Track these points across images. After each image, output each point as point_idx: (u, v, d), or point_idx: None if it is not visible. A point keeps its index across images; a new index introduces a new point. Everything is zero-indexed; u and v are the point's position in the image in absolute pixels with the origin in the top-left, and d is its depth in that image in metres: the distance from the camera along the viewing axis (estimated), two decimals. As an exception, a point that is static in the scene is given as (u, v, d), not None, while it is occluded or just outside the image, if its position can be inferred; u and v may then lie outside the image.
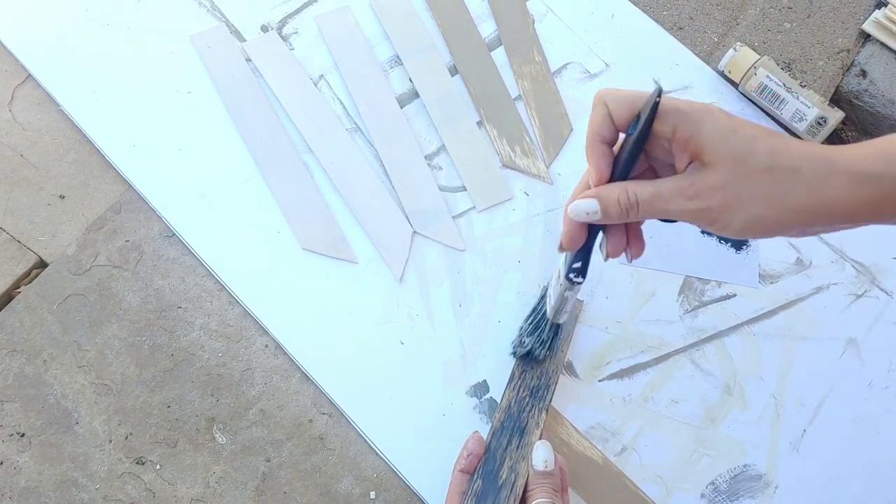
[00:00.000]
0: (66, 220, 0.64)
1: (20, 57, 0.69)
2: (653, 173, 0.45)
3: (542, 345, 0.57)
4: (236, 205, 0.65)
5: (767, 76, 0.70)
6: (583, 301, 0.63)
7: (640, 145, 0.42)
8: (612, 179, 0.43)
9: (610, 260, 0.47)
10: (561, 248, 0.47)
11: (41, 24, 0.70)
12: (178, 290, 0.62)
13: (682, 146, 0.40)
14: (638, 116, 0.42)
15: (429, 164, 0.68)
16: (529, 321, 0.58)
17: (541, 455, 0.51)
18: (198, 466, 0.57)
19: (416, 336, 0.62)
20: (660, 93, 0.40)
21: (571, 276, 0.47)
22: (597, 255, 0.47)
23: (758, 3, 0.79)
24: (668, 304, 0.65)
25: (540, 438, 0.54)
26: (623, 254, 0.46)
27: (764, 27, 0.77)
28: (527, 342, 0.58)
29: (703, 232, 0.67)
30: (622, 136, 0.44)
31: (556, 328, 0.57)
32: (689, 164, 0.41)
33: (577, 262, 0.47)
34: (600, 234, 0.46)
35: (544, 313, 0.56)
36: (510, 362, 0.61)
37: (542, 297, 0.57)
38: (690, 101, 0.41)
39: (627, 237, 0.46)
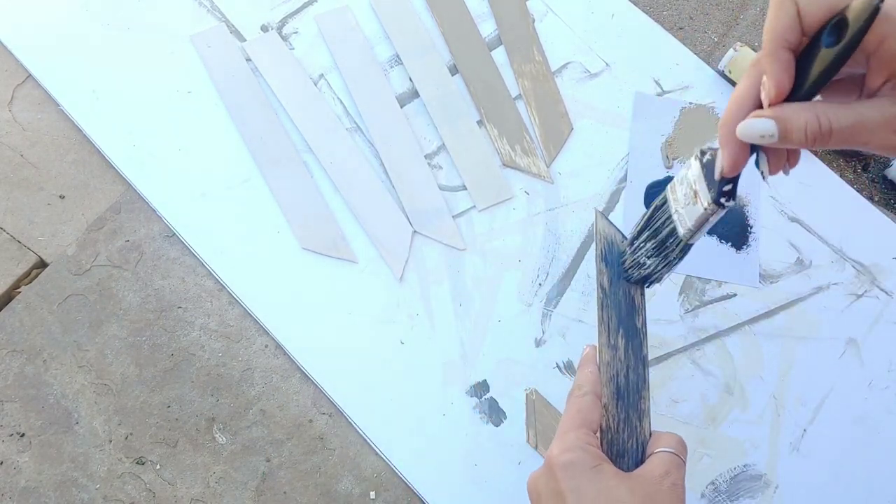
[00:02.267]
0: (66, 220, 0.64)
1: (20, 57, 0.69)
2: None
3: (669, 265, 0.48)
4: (236, 205, 0.65)
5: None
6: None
7: (842, 59, 0.34)
8: (792, 97, 0.36)
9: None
10: (723, 175, 0.40)
11: (41, 24, 0.70)
12: (178, 290, 0.62)
13: (886, 62, 0.34)
14: (839, 20, 0.34)
15: (429, 164, 0.68)
16: (646, 238, 0.49)
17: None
18: (198, 466, 0.57)
19: (416, 336, 0.62)
20: None
21: (723, 200, 0.41)
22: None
23: (758, 3, 0.79)
24: (669, 303, 0.65)
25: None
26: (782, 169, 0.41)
27: (764, 27, 0.77)
28: (648, 264, 0.49)
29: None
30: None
31: (686, 250, 0.47)
32: (884, 83, 0.35)
33: (728, 184, 0.41)
34: (756, 151, 0.40)
35: (672, 230, 0.47)
36: (510, 362, 0.61)
37: (657, 212, 0.48)
38: None
39: (788, 151, 0.40)
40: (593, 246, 0.66)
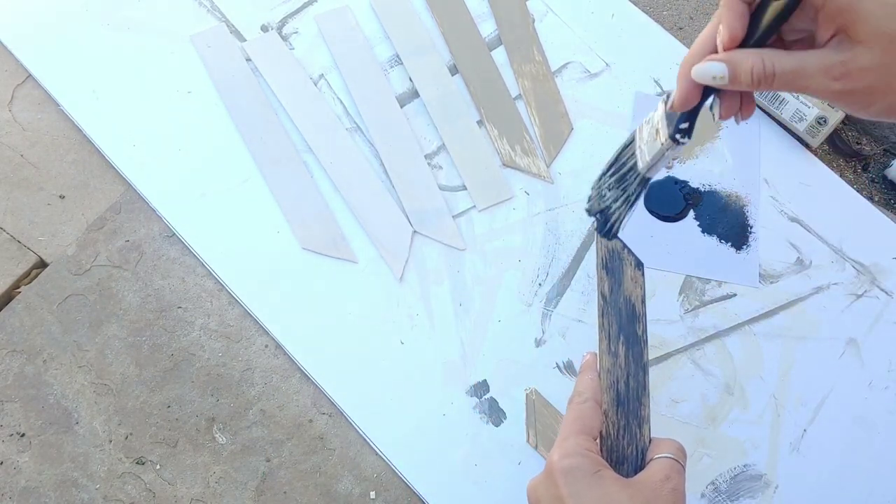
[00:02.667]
0: (66, 220, 0.64)
1: (20, 57, 0.69)
2: (780, 42, 0.41)
3: (626, 201, 0.51)
4: (236, 205, 0.65)
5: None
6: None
7: (788, 10, 0.38)
8: (744, 44, 0.39)
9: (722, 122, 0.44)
10: (671, 108, 0.44)
11: (41, 24, 0.70)
12: (178, 290, 0.62)
13: (832, 16, 0.37)
14: None
15: (429, 164, 0.68)
16: (610, 173, 0.52)
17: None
18: (198, 466, 0.57)
19: (416, 336, 0.62)
20: None
21: (678, 136, 0.45)
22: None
23: (758, 2, 0.79)
24: (669, 303, 0.65)
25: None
26: (733, 117, 0.44)
27: (764, 27, 0.77)
28: (608, 196, 0.52)
29: (703, 231, 0.67)
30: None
31: (644, 184, 0.51)
32: (832, 37, 0.37)
33: (684, 122, 0.44)
34: (712, 96, 0.43)
35: (633, 166, 0.50)
36: (510, 362, 0.61)
37: (624, 149, 0.52)
38: None
39: (741, 99, 0.43)
40: (593, 247, 0.66)
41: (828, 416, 0.62)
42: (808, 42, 0.40)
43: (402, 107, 0.70)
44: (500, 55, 0.74)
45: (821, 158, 0.72)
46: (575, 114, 0.72)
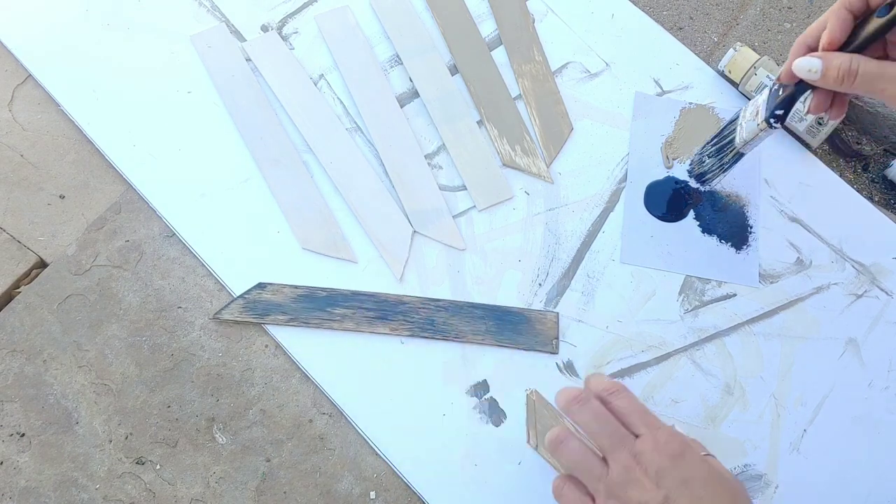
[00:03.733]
0: (66, 220, 0.64)
1: (20, 57, 0.69)
2: (885, 57, 0.48)
3: (721, 167, 0.61)
4: (236, 205, 0.65)
5: (768, 76, 0.70)
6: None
7: (886, 28, 0.44)
8: (842, 48, 0.46)
9: (810, 116, 0.54)
10: (777, 80, 0.52)
11: (41, 25, 0.70)
12: (178, 290, 0.62)
13: None
14: (893, 1, 0.44)
15: (429, 164, 0.68)
16: (713, 143, 0.61)
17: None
18: (198, 466, 0.57)
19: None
20: None
21: (772, 120, 0.52)
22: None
23: (758, 3, 0.79)
24: (669, 303, 0.65)
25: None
26: (824, 113, 0.51)
27: (764, 27, 0.77)
28: (707, 162, 0.62)
29: (703, 232, 0.67)
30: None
31: (738, 157, 0.60)
32: None
33: (781, 108, 0.51)
34: (808, 91, 0.50)
35: (732, 140, 0.59)
36: (510, 362, 0.61)
37: (730, 123, 0.60)
38: None
39: (833, 99, 0.50)
40: (593, 246, 0.66)
41: (828, 416, 0.62)
42: None
43: (402, 107, 0.70)
44: (500, 55, 0.74)
45: (821, 158, 0.72)
46: (575, 114, 0.72)
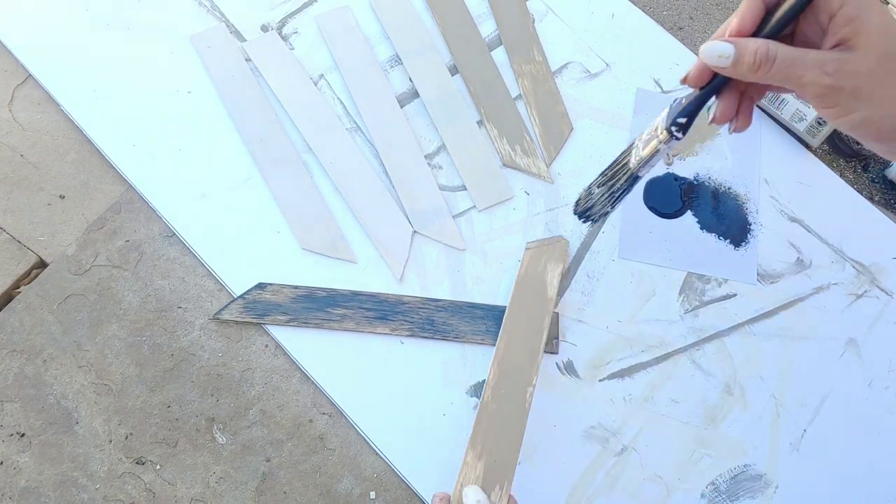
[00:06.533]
0: (66, 220, 0.64)
1: (20, 57, 0.69)
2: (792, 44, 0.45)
3: (612, 196, 0.53)
4: (236, 205, 0.65)
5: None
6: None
7: (797, 10, 0.42)
8: (754, 35, 0.43)
9: (716, 127, 0.47)
10: (683, 81, 0.46)
11: (41, 24, 0.70)
12: (178, 290, 0.62)
13: (841, 25, 0.40)
14: None
15: (429, 164, 0.68)
16: (603, 173, 0.54)
17: (472, 498, 0.51)
18: (198, 466, 0.57)
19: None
20: None
21: (673, 129, 0.46)
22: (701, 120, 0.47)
23: (758, 2, 0.79)
24: (669, 303, 0.65)
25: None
26: (728, 123, 0.46)
27: (764, 27, 0.77)
28: (596, 193, 0.53)
29: (701, 228, 0.67)
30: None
31: (632, 182, 0.52)
32: (836, 46, 0.41)
33: (683, 116, 0.46)
34: (713, 98, 0.46)
35: (625, 163, 0.52)
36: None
37: (623, 153, 0.53)
38: None
39: (739, 108, 0.46)
40: (593, 246, 0.66)
41: (828, 416, 0.62)
42: (815, 48, 0.43)
43: (402, 107, 0.70)
44: (500, 55, 0.74)
45: (821, 158, 0.72)
46: (575, 114, 0.72)
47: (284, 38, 0.72)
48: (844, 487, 0.60)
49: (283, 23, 0.73)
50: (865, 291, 0.67)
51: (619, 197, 0.53)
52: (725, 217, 0.68)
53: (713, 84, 0.45)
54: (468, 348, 0.62)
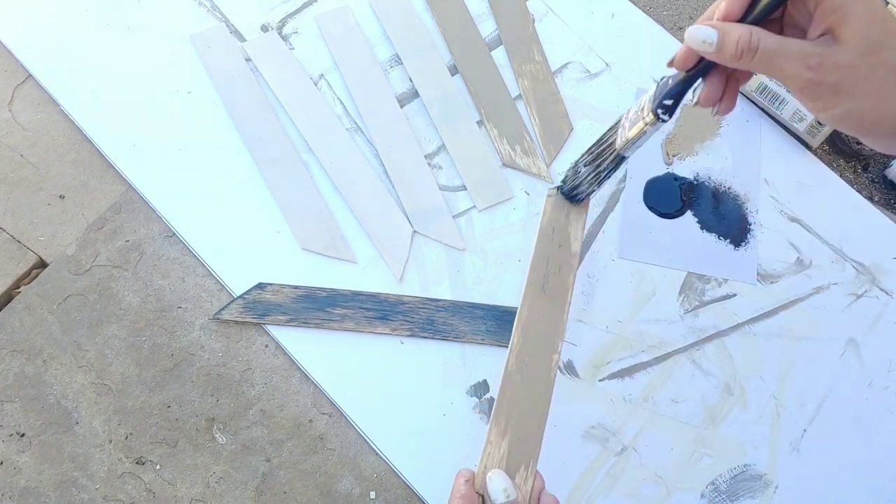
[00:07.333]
0: (66, 220, 0.64)
1: (20, 57, 0.69)
2: (778, 32, 0.44)
3: (598, 175, 0.53)
4: (236, 205, 0.65)
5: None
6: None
7: None
8: (743, 19, 0.42)
9: (700, 108, 0.46)
10: (669, 64, 0.46)
11: (41, 24, 0.70)
12: (178, 290, 0.62)
13: (825, 14, 0.39)
14: None
15: (429, 164, 0.68)
16: (589, 151, 0.54)
17: (497, 485, 0.47)
18: (198, 466, 0.57)
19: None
20: None
21: (660, 111, 0.46)
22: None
23: (758, 2, 0.78)
24: (669, 303, 0.65)
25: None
26: (713, 106, 0.46)
27: (764, 27, 0.77)
28: (582, 172, 0.54)
29: (701, 228, 0.67)
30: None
31: (619, 162, 0.52)
32: (821, 35, 0.40)
33: (669, 98, 0.46)
34: (699, 80, 0.46)
35: (611, 143, 0.52)
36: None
37: (609, 130, 0.53)
38: None
39: (724, 90, 0.45)
40: (593, 246, 0.66)
41: (828, 416, 0.62)
42: (800, 38, 0.42)
43: (402, 107, 0.70)
44: (500, 55, 0.74)
45: (821, 158, 0.72)
46: (575, 114, 0.72)
47: (284, 38, 0.72)
48: (844, 487, 0.60)
49: (283, 23, 0.73)
50: (865, 291, 0.67)
51: (605, 177, 0.53)
52: (725, 217, 0.68)
53: (699, 67, 0.44)
54: (468, 348, 0.62)
